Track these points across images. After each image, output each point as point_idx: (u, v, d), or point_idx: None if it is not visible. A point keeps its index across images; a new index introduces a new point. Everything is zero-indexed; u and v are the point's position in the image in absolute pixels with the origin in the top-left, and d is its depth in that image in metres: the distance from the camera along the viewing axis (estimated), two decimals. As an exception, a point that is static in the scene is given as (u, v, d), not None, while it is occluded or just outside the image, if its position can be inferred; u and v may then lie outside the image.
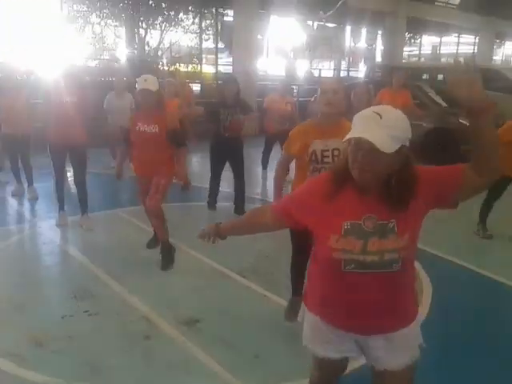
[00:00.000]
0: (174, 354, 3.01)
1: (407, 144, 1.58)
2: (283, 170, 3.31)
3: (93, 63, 13.98)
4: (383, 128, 1.51)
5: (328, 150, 2.99)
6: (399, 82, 6.71)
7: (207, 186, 6.08)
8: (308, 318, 1.90)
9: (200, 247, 4.59)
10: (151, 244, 4.60)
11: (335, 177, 1.68)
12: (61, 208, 5.30)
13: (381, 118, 1.53)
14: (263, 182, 7.67)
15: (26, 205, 6.11)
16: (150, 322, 3.35)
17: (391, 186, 1.59)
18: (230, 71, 13.23)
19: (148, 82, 4.05)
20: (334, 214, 1.66)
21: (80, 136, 5.03)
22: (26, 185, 6.37)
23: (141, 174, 4.30)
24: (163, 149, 4.14)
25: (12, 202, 6.22)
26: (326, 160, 3.01)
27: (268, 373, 2.86)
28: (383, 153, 1.49)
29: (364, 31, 17.87)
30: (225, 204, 6.08)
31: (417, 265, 1.96)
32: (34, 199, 6.23)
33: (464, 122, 9.38)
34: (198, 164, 9.30)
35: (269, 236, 5.23)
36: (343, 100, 2.98)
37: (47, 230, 5.20)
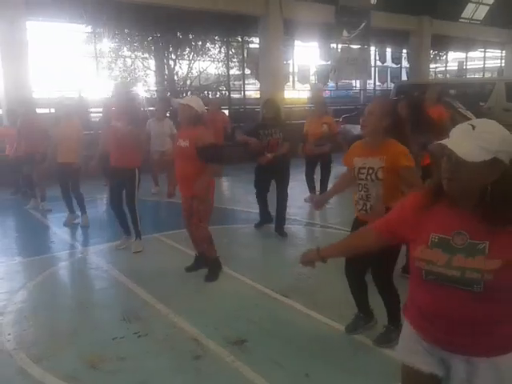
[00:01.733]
0: (224, 373, 3.06)
1: (504, 158, 1.55)
2: (343, 178, 3.56)
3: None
4: (473, 139, 1.54)
5: (365, 168, 3.14)
6: (432, 97, 6.71)
7: (240, 208, 6.20)
8: (403, 328, 1.91)
9: (241, 269, 4.70)
10: (191, 268, 4.73)
11: (430, 190, 1.73)
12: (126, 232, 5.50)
13: (473, 129, 1.57)
14: (304, 205, 7.68)
15: (69, 232, 6.32)
16: (199, 342, 3.42)
17: (486, 200, 1.57)
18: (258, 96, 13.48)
19: (189, 99, 4.37)
20: (425, 225, 1.70)
21: (130, 161, 5.16)
22: (78, 212, 6.55)
23: (181, 192, 4.52)
24: (194, 164, 4.25)
25: (55, 230, 6.44)
26: (361, 177, 3.16)
27: (319, 391, 2.87)
28: (469, 162, 1.51)
29: (389, 50, 17.93)
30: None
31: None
32: (86, 226, 6.41)
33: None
34: (229, 187, 9.45)
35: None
36: (379, 120, 3.05)
37: (93, 255, 5.38)
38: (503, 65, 21.73)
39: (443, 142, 1.59)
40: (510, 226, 1.56)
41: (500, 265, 1.54)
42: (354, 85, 19.54)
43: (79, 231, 6.35)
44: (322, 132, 7.26)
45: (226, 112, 13.52)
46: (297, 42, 15.80)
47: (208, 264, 4.58)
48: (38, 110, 8.54)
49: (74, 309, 4.05)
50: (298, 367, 3.10)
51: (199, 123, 4.33)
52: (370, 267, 3.33)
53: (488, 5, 18.27)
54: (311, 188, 7.74)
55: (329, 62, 15.36)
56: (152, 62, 15.33)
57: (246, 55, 15.11)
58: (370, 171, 3.10)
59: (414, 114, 4.27)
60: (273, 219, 6.12)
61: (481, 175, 1.56)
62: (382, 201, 3.12)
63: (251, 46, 15.25)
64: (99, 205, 8.01)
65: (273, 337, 3.50)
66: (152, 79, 15.40)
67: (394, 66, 18.82)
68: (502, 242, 1.56)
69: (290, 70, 15.80)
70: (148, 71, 15.38)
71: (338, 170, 6.64)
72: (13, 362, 3.19)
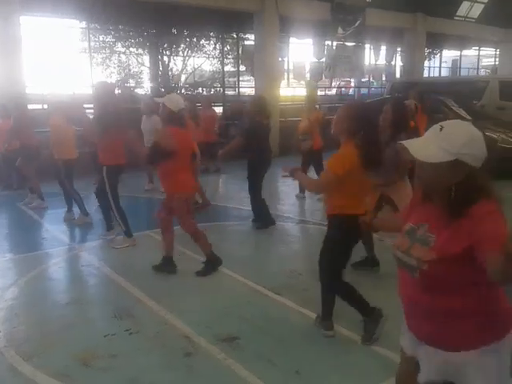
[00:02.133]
0: (215, 371, 3.06)
1: (469, 161, 1.59)
2: None
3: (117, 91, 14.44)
4: (437, 140, 1.61)
5: None
6: (415, 98, 6.76)
7: (232, 205, 6.23)
8: None
9: (234, 267, 4.69)
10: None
11: (420, 189, 1.85)
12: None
13: (441, 130, 1.63)
14: (295, 202, 7.71)
15: (62, 228, 6.29)
16: (190, 339, 3.42)
17: (450, 199, 1.65)
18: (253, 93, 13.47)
19: (165, 98, 4.42)
20: (410, 217, 1.86)
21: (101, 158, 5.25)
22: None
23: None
24: (169, 162, 4.30)
25: (48, 226, 6.41)
26: None
27: (309, 388, 2.88)
28: (431, 163, 1.60)
29: (383, 48, 17.92)
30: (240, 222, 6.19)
31: None
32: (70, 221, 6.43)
33: (490, 134, 9.35)
34: (222, 184, 9.44)
35: (301, 256, 5.32)
36: (341, 122, 3.14)
37: (85, 252, 5.36)
38: (497, 63, 21.79)
39: (404, 142, 1.66)
40: (459, 218, 1.62)
41: (435, 257, 1.64)
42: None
43: (72, 228, 6.33)
44: (302, 127, 7.44)
45: (221, 109, 13.53)
46: (292, 39, 15.78)
47: (207, 260, 4.63)
48: (31, 106, 8.50)
49: (65, 306, 4.04)
50: (289, 364, 3.11)
51: (172, 122, 4.35)
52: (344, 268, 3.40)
53: (483, 3, 18.27)
54: (300, 188, 7.78)
55: (323, 60, 15.35)
56: (146, 58, 15.29)
57: (241, 52, 15.08)
58: None
59: (398, 117, 4.30)
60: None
61: (442, 176, 1.63)
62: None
63: (246, 42, 15.21)
64: (92, 202, 7.97)
65: (264, 334, 3.51)
66: (146, 75, 15.36)
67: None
68: (447, 238, 1.64)
69: (286, 67, 15.78)
70: (142, 67, 15.32)
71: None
72: (3, 360, 3.18)
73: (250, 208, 6.29)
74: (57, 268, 5.00)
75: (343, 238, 3.24)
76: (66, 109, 6.23)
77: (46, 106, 7.92)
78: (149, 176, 8.42)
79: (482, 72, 22.86)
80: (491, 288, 1.66)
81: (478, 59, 22.89)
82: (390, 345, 3.04)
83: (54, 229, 6.25)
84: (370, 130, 3.16)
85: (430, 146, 1.61)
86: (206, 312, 3.86)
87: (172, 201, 4.46)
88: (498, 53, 21.69)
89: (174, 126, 4.34)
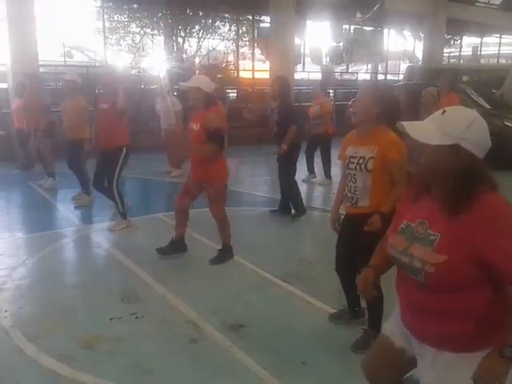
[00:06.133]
0: (220, 358, 3.02)
1: (470, 147, 1.52)
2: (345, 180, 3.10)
3: (133, 71, 14.33)
4: (437, 122, 1.55)
5: (356, 157, 2.90)
6: (445, 84, 6.55)
7: (242, 190, 6.19)
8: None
9: (243, 253, 4.64)
10: (164, 250, 4.53)
11: (414, 182, 1.72)
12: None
13: (443, 113, 1.57)
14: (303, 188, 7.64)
15: (72, 209, 6.28)
16: (196, 325, 3.38)
17: (449, 190, 1.55)
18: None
19: (197, 80, 4.21)
20: (405, 213, 1.74)
21: (115, 140, 5.14)
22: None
23: (191, 174, 4.44)
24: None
25: (58, 207, 6.41)
26: (350, 166, 2.92)
27: (315, 380, 2.83)
28: (430, 146, 1.53)
29: (404, 33, 17.54)
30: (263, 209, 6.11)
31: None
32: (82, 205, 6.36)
33: (509, 124, 9.11)
34: (232, 168, 9.36)
35: (311, 244, 5.24)
36: (369, 107, 2.81)
37: (94, 233, 5.35)
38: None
39: (404, 123, 1.58)
40: (460, 213, 1.53)
41: (443, 260, 1.53)
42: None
43: (82, 209, 6.31)
44: (313, 112, 7.48)
45: (235, 93, 13.40)
46: (309, 22, 15.48)
47: (222, 250, 4.52)
48: (44, 85, 8.47)
49: (72, 287, 4.02)
50: (296, 355, 3.05)
51: (210, 104, 4.24)
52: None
53: (506, -11, 17.80)
54: (310, 168, 7.94)
55: (340, 44, 15.06)
56: (161, 39, 15.12)
57: (256, 34, 14.84)
58: (361, 161, 2.87)
59: (412, 100, 4.13)
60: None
61: (441, 161, 1.54)
62: (368, 196, 2.89)
63: (262, 25, 14.97)
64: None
65: (271, 323, 3.45)
66: (160, 57, 15.20)
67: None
68: (452, 237, 1.54)
69: (302, 50, 15.52)
70: (156, 48, 15.16)
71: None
72: (9, 340, 3.17)
73: (283, 198, 5.99)
74: (65, 249, 5.00)
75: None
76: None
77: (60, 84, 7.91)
78: (175, 161, 8.21)
79: (503, 60, 22.31)
80: (495, 289, 1.57)
81: (499, 47, 22.31)
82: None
83: (65, 208, 6.25)
84: (397, 112, 2.85)
85: (431, 128, 1.54)
86: (213, 298, 3.82)
87: (211, 187, 4.32)
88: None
89: (214, 107, 4.26)
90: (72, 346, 3.11)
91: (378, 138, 2.84)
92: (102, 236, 5.27)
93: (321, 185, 7.81)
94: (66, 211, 6.16)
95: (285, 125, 5.57)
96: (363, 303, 3.22)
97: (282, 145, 5.57)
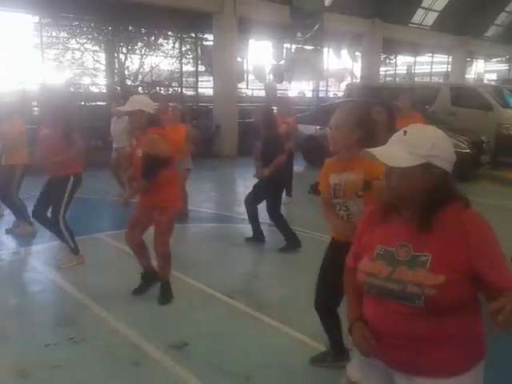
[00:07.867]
0: (163, 379, 2.95)
1: (440, 163, 1.53)
2: (327, 208, 2.84)
3: (72, 88, 13.98)
4: (402, 144, 1.53)
5: (340, 184, 2.69)
6: (406, 103, 6.48)
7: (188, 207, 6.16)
8: None
9: (185, 270, 4.57)
10: (140, 290, 4.17)
11: (380, 204, 1.69)
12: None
13: (405, 134, 1.56)
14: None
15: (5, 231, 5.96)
16: (138, 347, 3.28)
17: (423, 207, 1.55)
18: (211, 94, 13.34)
19: (137, 102, 3.77)
20: (374, 238, 1.67)
21: (62, 168, 4.55)
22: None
23: (140, 201, 3.98)
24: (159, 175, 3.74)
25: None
26: (337, 194, 2.71)
27: (260, 395, 2.82)
28: (401, 169, 1.52)
29: (343, 52, 18.19)
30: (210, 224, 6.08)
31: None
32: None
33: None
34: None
35: (256, 258, 5.25)
36: (348, 134, 2.62)
37: (29, 256, 5.10)
38: (449, 69, 22.55)
39: (371, 150, 1.58)
40: (430, 228, 1.54)
41: (443, 281, 1.47)
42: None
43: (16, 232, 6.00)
44: (281, 130, 7.20)
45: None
46: (251, 41, 15.75)
47: (162, 287, 4.06)
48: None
49: (6, 313, 3.80)
50: (240, 370, 3.03)
51: (152, 125, 3.79)
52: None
53: (437, 11, 18.90)
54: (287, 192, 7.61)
55: (282, 62, 15.40)
56: (102, 56, 14.89)
57: (199, 52, 14.91)
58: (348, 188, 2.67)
59: (391, 119, 4.00)
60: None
61: (413, 181, 1.54)
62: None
63: (205, 42, 15.08)
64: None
65: (215, 339, 3.42)
66: (102, 73, 14.95)
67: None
68: (445, 255, 1.51)
69: (245, 67, 15.74)
70: (98, 65, 14.91)
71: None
72: None
73: (275, 227, 5.53)
74: (-1, 273, 4.73)
75: None
76: (23, 108, 5.78)
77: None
78: (121, 183, 7.53)
79: (435, 78, 23.58)
80: (476, 308, 1.58)
81: (432, 65, 23.59)
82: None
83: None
84: (376, 133, 2.67)
85: (397, 151, 1.53)
86: (155, 317, 3.73)
87: (163, 214, 3.84)
88: (450, 60, 22.46)
89: (157, 127, 3.80)
90: (7, 375, 2.95)
91: (361, 161, 2.44)
92: (37, 259, 5.03)
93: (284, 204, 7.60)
94: (0, 233, 5.85)
95: (271, 156, 5.25)
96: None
97: (265, 170, 5.24)
